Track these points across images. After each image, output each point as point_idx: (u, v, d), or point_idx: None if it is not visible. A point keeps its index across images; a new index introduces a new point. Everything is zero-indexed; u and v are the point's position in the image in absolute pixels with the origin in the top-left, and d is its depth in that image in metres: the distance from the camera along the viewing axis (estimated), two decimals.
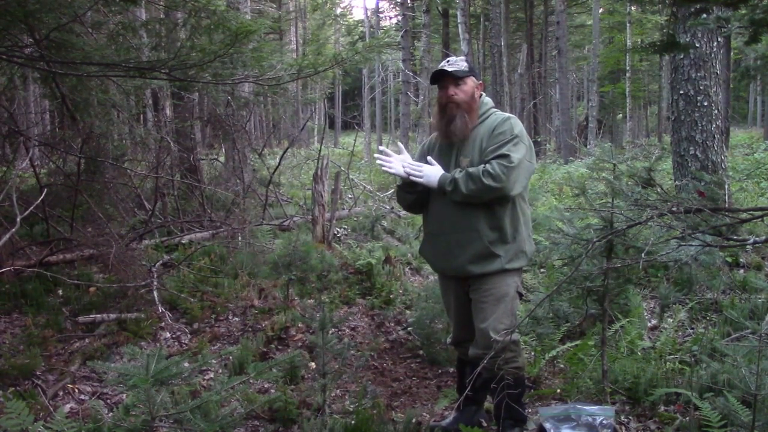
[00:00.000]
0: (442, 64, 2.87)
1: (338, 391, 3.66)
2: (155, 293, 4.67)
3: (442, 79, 2.82)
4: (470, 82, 2.83)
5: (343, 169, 9.68)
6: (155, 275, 4.89)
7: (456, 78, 2.79)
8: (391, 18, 31.53)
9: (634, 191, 2.93)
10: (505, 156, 2.67)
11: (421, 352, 4.22)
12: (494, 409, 2.86)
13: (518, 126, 2.78)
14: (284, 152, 9.10)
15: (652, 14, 20.79)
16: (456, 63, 2.84)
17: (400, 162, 2.84)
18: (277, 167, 8.28)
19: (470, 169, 2.69)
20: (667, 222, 2.81)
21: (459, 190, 2.68)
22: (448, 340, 3.17)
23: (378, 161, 2.87)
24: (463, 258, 2.77)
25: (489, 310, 2.75)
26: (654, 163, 3.10)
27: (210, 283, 5.22)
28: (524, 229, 2.85)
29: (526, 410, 2.97)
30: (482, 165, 2.70)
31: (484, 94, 2.93)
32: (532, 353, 3.86)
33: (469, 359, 2.90)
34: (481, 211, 2.73)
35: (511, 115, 2.87)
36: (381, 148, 2.95)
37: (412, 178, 2.79)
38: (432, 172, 2.78)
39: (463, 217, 2.76)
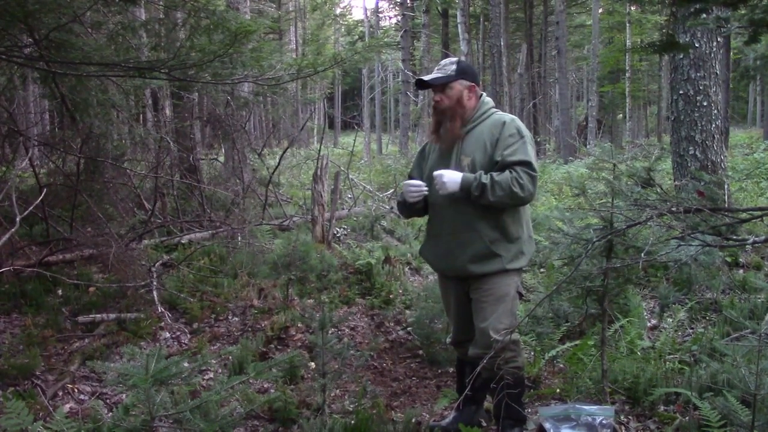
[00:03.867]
0: (435, 67, 2.92)
1: (338, 391, 3.66)
2: (155, 293, 4.67)
3: (429, 85, 2.84)
4: (457, 86, 2.82)
5: (342, 169, 9.68)
6: (155, 275, 4.89)
7: (441, 85, 2.81)
8: (390, 18, 31.60)
9: (633, 191, 2.93)
10: (528, 163, 2.68)
11: (420, 352, 4.22)
12: (494, 408, 2.86)
13: (525, 129, 2.82)
14: (284, 152, 9.10)
15: (652, 14, 20.80)
16: (444, 68, 2.85)
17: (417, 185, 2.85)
18: (277, 167, 8.28)
19: (497, 177, 2.65)
20: (666, 222, 2.81)
21: (486, 196, 2.64)
22: (448, 339, 3.17)
23: (411, 196, 2.85)
24: (463, 258, 2.77)
25: (489, 310, 2.75)
26: (654, 163, 3.10)
27: (210, 283, 5.21)
28: (525, 229, 2.86)
29: (526, 410, 2.97)
30: (508, 172, 2.66)
31: (484, 93, 2.92)
32: (532, 353, 3.86)
33: (469, 359, 2.90)
34: (482, 211, 2.73)
35: (513, 116, 2.87)
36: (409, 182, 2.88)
37: (441, 189, 2.69)
38: (451, 176, 2.69)
39: (464, 217, 2.75)
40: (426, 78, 2.82)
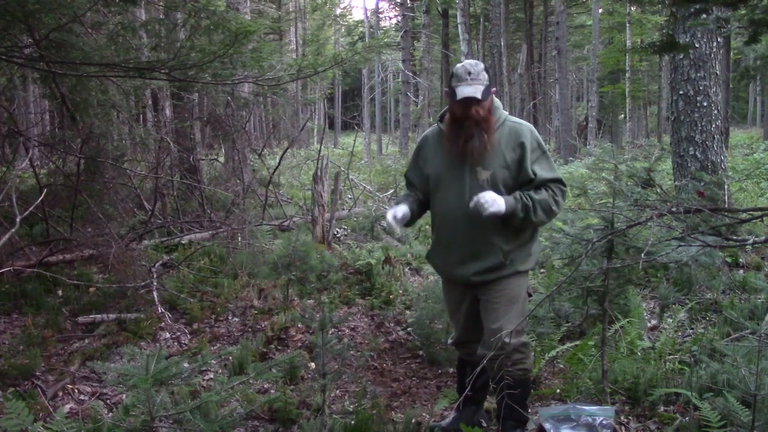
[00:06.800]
0: (461, 73, 2.62)
1: (338, 391, 3.66)
2: (155, 293, 4.67)
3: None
4: (490, 96, 2.67)
5: (342, 169, 9.68)
6: (155, 275, 4.89)
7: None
8: (390, 18, 31.59)
9: (634, 191, 2.93)
10: (560, 180, 2.71)
11: (420, 352, 4.22)
12: (497, 409, 2.85)
13: (540, 137, 2.79)
14: (284, 152, 9.10)
15: (652, 14, 20.78)
16: (478, 77, 2.61)
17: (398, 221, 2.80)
18: (277, 167, 8.28)
19: (537, 197, 2.64)
20: (666, 222, 2.81)
21: (529, 218, 2.63)
22: (449, 340, 3.16)
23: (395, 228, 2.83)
24: (477, 270, 2.73)
25: (501, 311, 2.73)
26: (654, 163, 3.11)
27: (210, 283, 5.21)
28: (534, 232, 2.85)
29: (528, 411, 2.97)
30: (545, 191, 2.66)
31: (494, 97, 2.80)
32: (533, 353, 3.86)
33: (475, 359, 2.87)
34: (499, 224, 2.68)
35: (530, 125, 2.81)
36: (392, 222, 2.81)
37: (486, 209, 2.55)
38: (497, 198, 2.58)
39: (481, 231, 2.69)
40: (479, 96, 2.57)
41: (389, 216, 2.79)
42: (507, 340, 2.61)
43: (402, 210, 2.80)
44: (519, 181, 2.70)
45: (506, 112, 2.83)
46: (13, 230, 4.63)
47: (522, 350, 2.74)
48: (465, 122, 2.64)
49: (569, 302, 4.15)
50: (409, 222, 2.90)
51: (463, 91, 2.60)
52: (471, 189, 2.68)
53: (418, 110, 20.69)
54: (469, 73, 2.62)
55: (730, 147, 17.93)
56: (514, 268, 2.74)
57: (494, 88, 2.73)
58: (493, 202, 2.56)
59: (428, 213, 2.99)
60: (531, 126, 2.81)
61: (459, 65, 2.69)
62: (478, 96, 2.58)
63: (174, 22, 5.04)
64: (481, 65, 2.68)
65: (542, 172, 2.69)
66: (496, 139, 2.69)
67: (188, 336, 4.41)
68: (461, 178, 2.71)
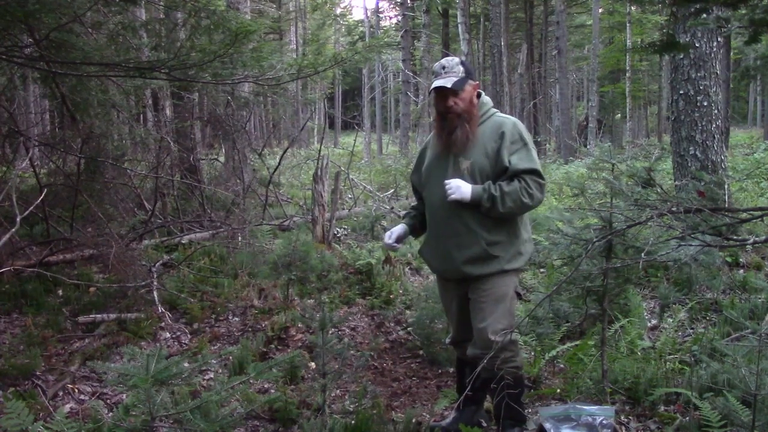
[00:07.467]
0: (437, 69, 2.80)
1: (338, 391, 3.66)
2: (155, 293, 4.67)
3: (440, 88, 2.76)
4: (468, 88, 2.77)
5: (343, 169, 9.67)
6: (155, 275, 4.89)
7: (455, 90, 2.73)
8: (391, 18, 31.58)
9: (633, 191, 2.93)
10: (536, 171, 2.71)
11: (421, 352, 4.22)
12: (494, 409, 2.86)
13: (526, 132, 2.81)
14: (284, 152, 9.10)
15: (652, 14, 20.79)
16: (452, 70, 2.76)
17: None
18: (277, 167, 8.28)
19: (506, 188, 2.66)
20: (666, 222, 2.81)
21: (496, 208, 2.66)
22: (447, 339, 3.17)
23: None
24: (461, 260, 2.76)
25: (488, 310, 2.75)
26: (654, 163, 3.11)
27: (210, 283, 5.22)
28: (523, 229, 2.86)
29: (527, 410, 2.97)
30: (516, 181, 2.68)
31: (483, 93, 2.89)
32: (532, 353, 3.86)
33: (469, 359, 2.90)
34: (481, 214, 2.73)
35: (515, 119, 2.84)
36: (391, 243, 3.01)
37: (449, 195, 2.69)
38: (462, 185, 2.70)
39: (462, 219, 2.75)
40: (449, 85, 2.71)
41: (385, 239, 3.00)
42: (495, 339, 2.64)
43: (397, 230, 3.00)
44: (496, 170, 2.73)
45: (497, 110, 2.90)
46: (13, 230, 4.63)
47: (511, 348, 2.75)
48: (448, 115, 2.76)
49: (569, 302, 4.15)
50: (413, 234, 3.09)
51: (436, 83, 2.75)
52: (452, 178, 2.76)
53: (418, 110, 20.69)
54: (444, 67, 2.78)
55: (731, 147, 17.94)
56: (500, 266, 2.75)
57: (475, 81, 2.83)
58: (457, 188, 2.68)
59: None
60: (517, 120, 2.85)
61: (437, 63, 2.85)
62: (448, 85, 2.71)
63: (174, 22, 5.04)
64: (457, 60, 2.82)
65: (518, 162, 2.71)
66: (481, 131, 2.78)
67: (188, 336, 4.41)
68: (445, 168, 2.80)
